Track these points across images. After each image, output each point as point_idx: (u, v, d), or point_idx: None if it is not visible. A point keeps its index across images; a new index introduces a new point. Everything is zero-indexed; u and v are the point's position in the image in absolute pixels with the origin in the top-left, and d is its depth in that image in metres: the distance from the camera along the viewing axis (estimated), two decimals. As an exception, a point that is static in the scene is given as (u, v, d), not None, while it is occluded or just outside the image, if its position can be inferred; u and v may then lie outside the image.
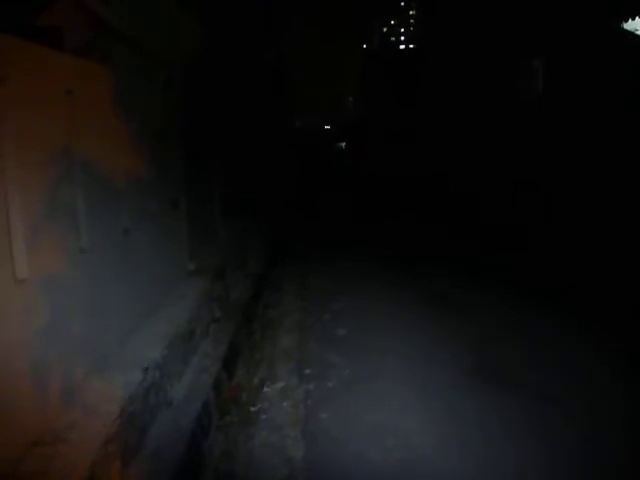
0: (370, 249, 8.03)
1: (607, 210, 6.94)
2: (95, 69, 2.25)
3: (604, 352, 4.01)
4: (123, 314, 2.59)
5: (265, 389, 3.62)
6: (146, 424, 2.61)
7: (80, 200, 2.12)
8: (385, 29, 44.36)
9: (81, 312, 2.11)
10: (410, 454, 2.81)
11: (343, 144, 33.66)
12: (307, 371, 3.84)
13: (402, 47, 30.23)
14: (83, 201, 2.14)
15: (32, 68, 1.79)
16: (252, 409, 3.38)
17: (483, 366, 3.80)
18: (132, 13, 2.70)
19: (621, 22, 7.49)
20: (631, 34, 7.28)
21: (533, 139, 9.65)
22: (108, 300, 2.40)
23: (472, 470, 2.66)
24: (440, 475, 2.66)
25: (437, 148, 17.18)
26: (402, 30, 43.04)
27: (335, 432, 3.04)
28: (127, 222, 2.65)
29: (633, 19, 7.30)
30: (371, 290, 5.78)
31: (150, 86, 3.05)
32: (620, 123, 7.08)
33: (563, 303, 5.10)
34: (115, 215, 2.50)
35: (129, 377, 2.48)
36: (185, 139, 3.81)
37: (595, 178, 7.46)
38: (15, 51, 1.71)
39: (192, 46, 4.09)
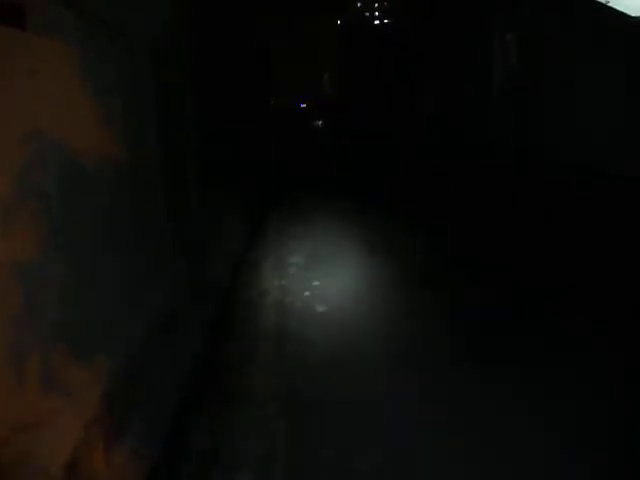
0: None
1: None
2: (61, 48, 2.19)
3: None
4: (102, 297, 2.57)
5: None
6: (129, 406, 2.62)
7: (52, 182, 2.09)
8: (359, 4, 43.83)
9: (59, 296, 2.09)
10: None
11: (320, 122, 33.42)
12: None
13: (377, 22, 29.91)
14: (56, 183, 2.11)
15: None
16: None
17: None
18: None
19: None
20: (606, 7, 7.31)
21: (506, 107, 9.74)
22: (86, 284, 2.37)
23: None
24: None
25: (414, 118, 17.17)
26: (376, 5, 42.58)
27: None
28: (102, 204, 2.62)
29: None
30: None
31: (119, 65, 2.98)
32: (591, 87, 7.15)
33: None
34: (89, 198, 2.46)
35: (110, 360, 2.48)
36: (160, 119, 3.74)
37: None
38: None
39: (166, 24, 4.01)
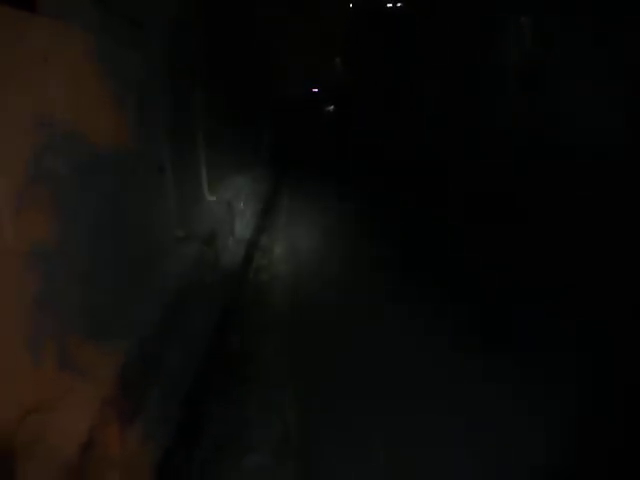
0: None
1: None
2: (72, 33, 2.20)
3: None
4: (116, 279, 2.61)
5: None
6: (144, 387, 2.66)
7: (64, 168, 2.10)
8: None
9: (73, 278, 2.12)
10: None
11: (332, 107, 33.19)
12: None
13: (389, 5, 29.54)
14: (67, 169, 2.13)
15: (6, 33, 1.75)
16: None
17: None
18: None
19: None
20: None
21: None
22: (99, 267, 2.40)
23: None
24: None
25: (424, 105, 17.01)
26: (389, -12, 41.97)
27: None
28: (112, 188, 2.64)
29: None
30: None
31: (131, 52, 2.98)
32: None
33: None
34: (100, 182, 2.48)
35: (124, 342, 2.51)
36: (170, 104, 3.76)
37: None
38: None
39: (175, 10, 4.00)
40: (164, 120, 3.59)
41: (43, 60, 1.95)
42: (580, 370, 3.49)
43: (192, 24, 4.54)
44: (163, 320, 3.09)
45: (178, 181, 3.89)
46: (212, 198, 5.11)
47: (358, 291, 5.28)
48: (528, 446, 2.85)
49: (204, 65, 4.95)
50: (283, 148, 20.13)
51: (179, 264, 3.75)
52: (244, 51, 9.04)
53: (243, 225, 7.10)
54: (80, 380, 2.06)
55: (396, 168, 14.50)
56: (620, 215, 5.87)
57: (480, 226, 7.11)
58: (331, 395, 3.45)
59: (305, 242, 7.47)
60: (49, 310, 1.91)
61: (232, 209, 6.33)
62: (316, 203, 10.69)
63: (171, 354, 3.14)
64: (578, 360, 3.62)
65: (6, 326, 1.69)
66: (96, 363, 2.21)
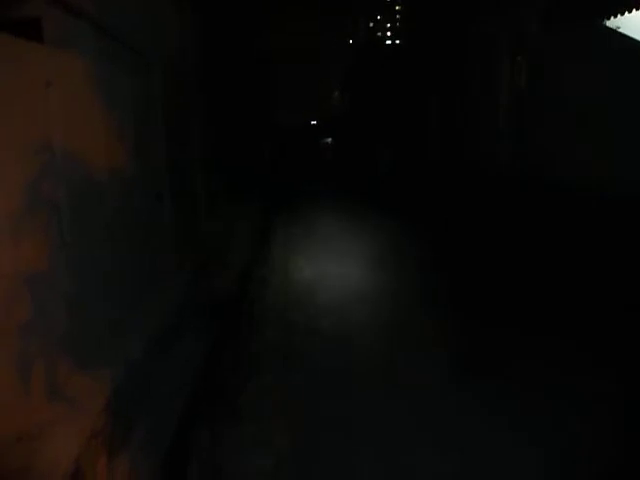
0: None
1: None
2: (74, 61, 2.23)
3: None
4: (107, 308, 2.58)
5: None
6: (132, 417, 2.61)
7: (62, 193, 2.10)
8: (372, 24, 44.34)
9: (64, 306, 2.10)
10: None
11: (329, 139, 33.57)
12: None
13: (388, 42, 30.22)
14: (65, 194, 2.13)
15: (13, 61, 1.77)
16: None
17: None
18: (109, 1, 2.68)
19: (603, 20, 7.57)
20: (614, 32, 7.35)
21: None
22: (92, 294, 2.38)
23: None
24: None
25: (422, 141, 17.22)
26: (388, 25, 43.01)
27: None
28: (110, 216, 2.64)
29: (615, 16, 7.37)
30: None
31: (131, 79, 3.02)
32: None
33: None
34: (98, 209, 2.48)
35: (114, 371, 2.47)
36: (168, 133, 3.79)
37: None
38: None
39: (175, 40, 4.06)
40: (162, 149, 3.62)
41: (45, 86, 1.98)
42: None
43: (192, 56, 4.62)
44: (153, 349, 3.06)
45: (176, 209, 3.90)
46: (209, 224, 5.11)
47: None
48: None
49: (203, 97, 5.01)
50: (281, 181, 20.37)
51: (173, 291, 3.73)
52: (243, 83, 9.18)
53: (239, 249, 7.09)
54: (69, 409, 2.02)
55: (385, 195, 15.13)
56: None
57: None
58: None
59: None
60: (39, 337, 1.88)
61: (230, 234, 6.33)
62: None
63: (160, 384, 3.09)
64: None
65: (-4, 352, 1.66)
66: (85, 393, 2.17)
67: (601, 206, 6.65)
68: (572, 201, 7.30)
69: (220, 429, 2.99)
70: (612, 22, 7.45)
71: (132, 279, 2.98)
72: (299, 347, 3.92)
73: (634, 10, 6.96)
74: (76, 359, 2.16)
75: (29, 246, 1.85)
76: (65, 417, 1.99)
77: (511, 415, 2.99)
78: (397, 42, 26.76)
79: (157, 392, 3.02)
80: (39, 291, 1.89)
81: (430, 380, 3.38)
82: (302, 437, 2.81)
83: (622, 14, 7.13)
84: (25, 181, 1.83)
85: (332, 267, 6.09)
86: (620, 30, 7.29)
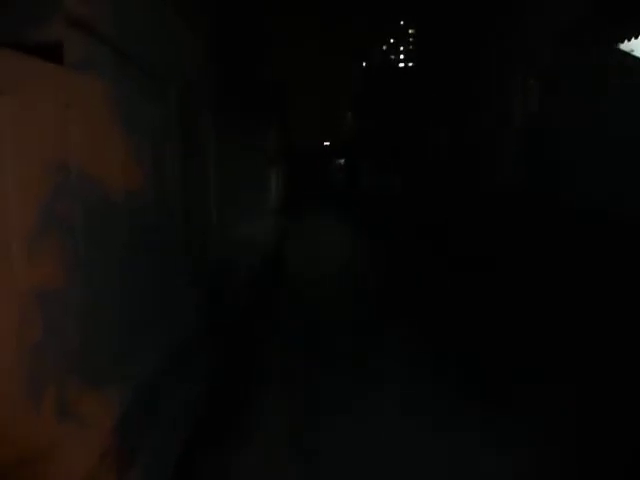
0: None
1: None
2: (93, 84, 2.27)
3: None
4: (119, 330, 2.58)
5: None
6: (141, 438, 2.60)
7: (78, 214, 2.13)
8: (385, 47, 44.77)
9: (77, 325, 2.10)
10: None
11: (342, 160, 33.78)
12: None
13: (401, 65, 30.46)
14: (81, 215, 2.15)
15: (33, 82, 1.81)
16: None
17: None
18: (129, 25, 2.73)
19: (617, 43, 7.58)
20: (628, 55, 7.36)
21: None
22: (105, 315, 2.39)
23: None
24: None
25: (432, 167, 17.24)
26: (402, 48, 43.40)
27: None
28: (125, 236, 2.65)
29: (629, 40, 7.38)
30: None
31: (149, 102, 3.07)
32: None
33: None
34: (113, 229, 2.50)
35: (124, 392, 2.47)
36: (184, 155, 3.82)
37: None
38: (17, 66, 1.73)
39: (192, 65, 4.13)
40: (177, 170, 3.65)
41: (64, 107, 2.01)
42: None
43: (207, 78, 4.68)
44: (164, 368, 3.05)
45: (190, 229, 3.92)
46: (223, 246, 5.13)
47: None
48: None
49: (218, 118, 5.07)
50: (295, 201, 23.06)
51: (185, 312, 3.73)
52: (256, 104, 9.28)
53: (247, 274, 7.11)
54: (79, 429, 2.02)
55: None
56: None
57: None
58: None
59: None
60: (51, 356, 1.89)
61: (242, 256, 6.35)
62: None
63: (170, 403, 3.08)
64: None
65: (7, 370, 1.67)
66: (95, 411, 2.17)
67: (621, 229, 6.60)
68: (593, 223, 7.25)
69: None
70: (626, 45, 7.45)
71: (146, 299, 2.98)
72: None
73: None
74: (87, 378, 2.16)
75: (43, 265, 1.86)
76: (75, 436, 1.98)
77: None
78: (410, 65, 26.97)
79: (167, 410, 3.01)
80: (53, 310, 1.90)
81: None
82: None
83: (636, 38, 7.13)
84: (41, 201, 1.85)
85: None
86: (634, 53, 7.29)
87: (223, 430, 3.63)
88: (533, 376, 4.46)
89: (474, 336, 5.70)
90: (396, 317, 6.70)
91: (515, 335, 5.54)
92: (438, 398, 4.20)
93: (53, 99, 1.95)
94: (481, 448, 3.41)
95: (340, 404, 4.14)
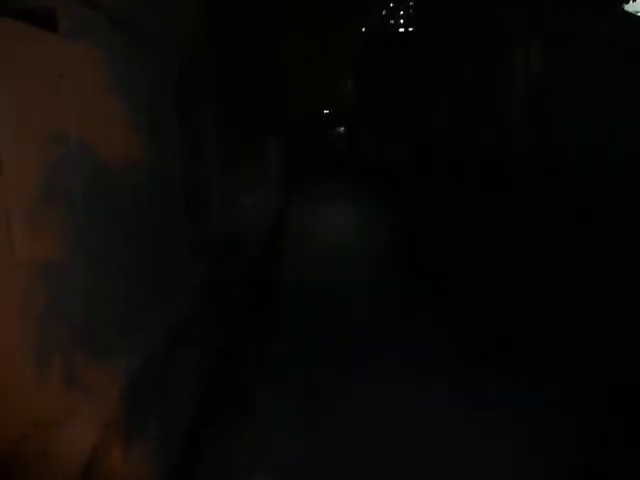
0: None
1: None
2: (88, 52, 2.23)
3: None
4: (123, 300, 2.60)
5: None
6: (147, 407, 2.64)
7: (77, 185, 2.11)
8: (384, 12, 43.89)
9: (81, 297, 2.11)
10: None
11: (342, 128, 33.45)
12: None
13: (401, 30, 29.90)
14: (81, 186, 2.14)
15: (27, 50, 1.78)
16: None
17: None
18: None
19: (622, 4, 7.43)
20: (633, 15, 7.22)
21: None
22: (108, 286, 2.40)
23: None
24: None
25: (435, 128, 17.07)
26: (401, 13, 42.53)
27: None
28: (125, 206, 2.65)
29: (634, 0, 7.23)
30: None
31: (145, 70, 3.02)
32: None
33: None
34: (113, 199, 2.49)
35: (130, 362, 2.50)
36: (181, 122, 3.78)
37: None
38: (9, 33, 1.69)
39: (191, 32, 4.05)
40: (175, 138, 3.62)
41: (59, 77, 1.98)
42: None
43: (206, 48, 4.60)
44: (170, 341, 3.08)
45: (192, 200, 3.91)
46: (225, 215, 5.13)
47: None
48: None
49: (217, 90, 5.00)
50: (296, 171, 23.57)
51: (189, 284, 3.75)
52: (257, 74, 9.15)
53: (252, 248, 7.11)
54: (85, 398, 2.04)
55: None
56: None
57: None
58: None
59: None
60: (56, 327, 1.90)
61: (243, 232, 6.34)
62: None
63: (173, 376, 3.12)
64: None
65: (14, 339, 1.68)
66: (101, 381, 2.19)
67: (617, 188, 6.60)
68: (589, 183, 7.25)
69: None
70: (630, 6, 7.31)
71: (148, 269, 2.99)
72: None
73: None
74: (93, 348, 2.18)
75: (45, 236, 1.86)
76: (82, 405, 2.01)
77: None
78: (410, 29, 26.47)
79: (173, 382, 3.05)
80: (56, 280, 1.91)
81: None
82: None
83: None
84: (40, 172, 1.84)
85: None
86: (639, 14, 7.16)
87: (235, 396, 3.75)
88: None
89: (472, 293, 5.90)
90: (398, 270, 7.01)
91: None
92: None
93: (47, 68, 1.92)
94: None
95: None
